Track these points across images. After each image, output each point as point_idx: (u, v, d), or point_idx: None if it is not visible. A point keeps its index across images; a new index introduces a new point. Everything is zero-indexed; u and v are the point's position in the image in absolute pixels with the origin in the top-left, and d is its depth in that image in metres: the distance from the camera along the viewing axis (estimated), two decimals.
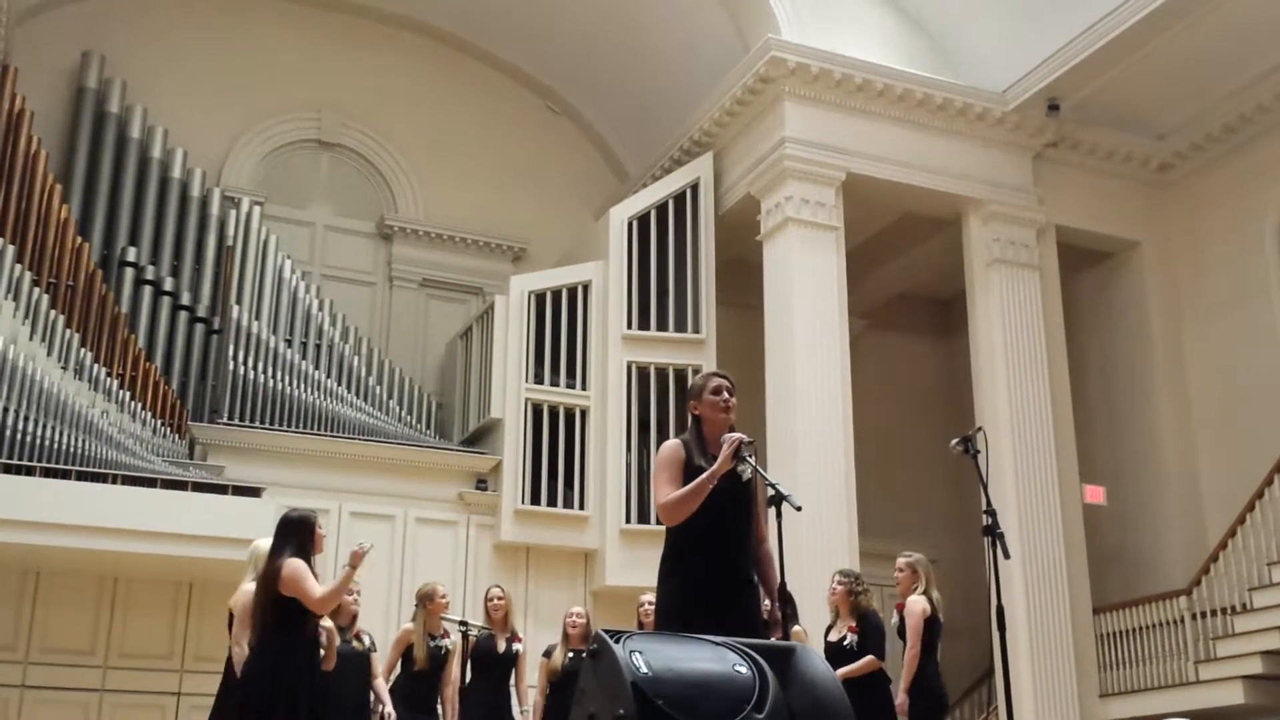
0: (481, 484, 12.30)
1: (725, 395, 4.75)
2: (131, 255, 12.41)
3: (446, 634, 8.17)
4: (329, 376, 12.38)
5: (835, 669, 3.99)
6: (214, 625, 9.93)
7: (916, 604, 7.40)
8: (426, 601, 8.15)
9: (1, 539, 9.87)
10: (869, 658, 7.49)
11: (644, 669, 3.40)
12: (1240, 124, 12.68)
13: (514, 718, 8.39)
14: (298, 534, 6.00)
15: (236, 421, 11.71)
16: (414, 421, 12.71)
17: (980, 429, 6.35)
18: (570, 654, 8.40)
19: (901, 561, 7.60)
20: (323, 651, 6.35)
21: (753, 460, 4.57)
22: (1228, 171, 12.96)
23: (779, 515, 4.54)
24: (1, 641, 10.45)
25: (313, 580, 5.84)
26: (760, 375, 11.88)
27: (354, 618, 7.78)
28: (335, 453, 11.91)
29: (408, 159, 14.66)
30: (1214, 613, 11.06)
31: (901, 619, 7.47)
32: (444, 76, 15.06)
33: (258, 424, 11.77)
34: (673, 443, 4.75)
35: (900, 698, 7.31)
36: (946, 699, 7.71)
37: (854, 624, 7.66)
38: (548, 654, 8.60)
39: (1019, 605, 11.21)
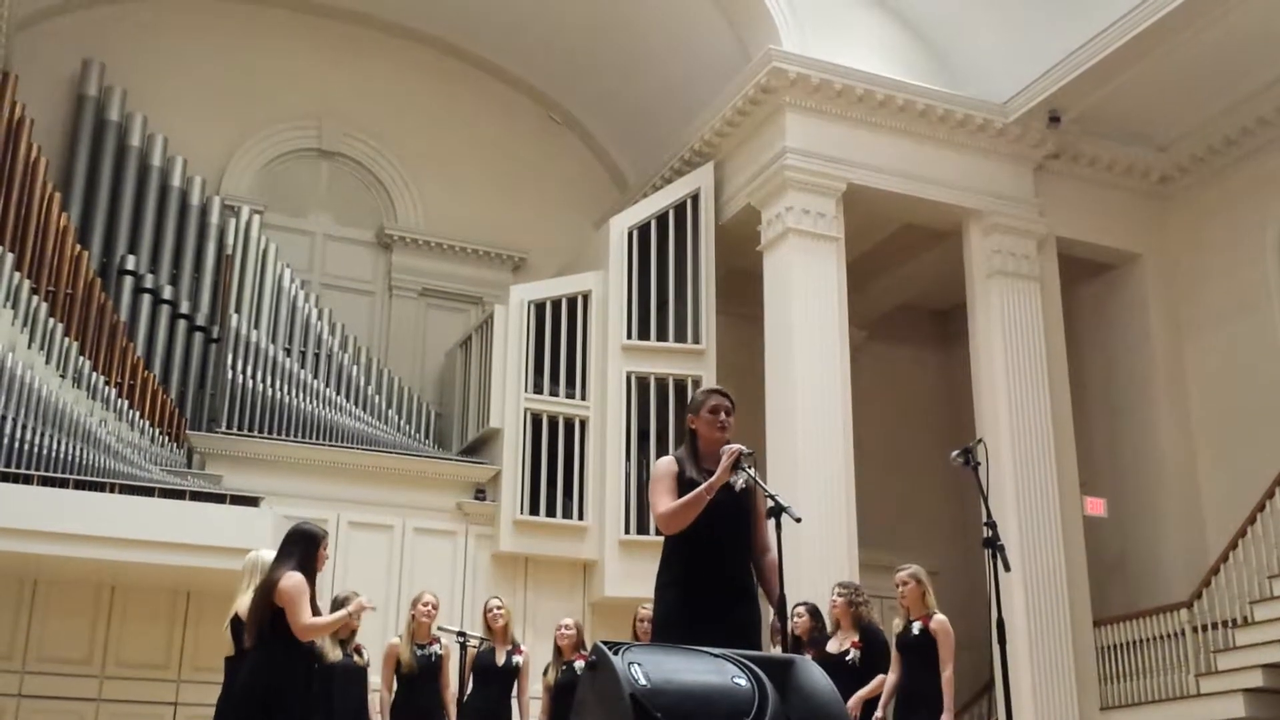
0: (480, 494, 12.27)
1: (723, 415, 4.78)
2: (131, 263, 12.39)
3: (436, 640, 8.15)
4: (328, 386, 12.35)
5: (834, 681, 3.94)
6: (211, 635, 9.90)
7: (949, 625, 7.25)
8: (410, 607, 8.21)
9: None
10: (880, 677, 7.45)
11: (643, 681, 3.38)
12: (1241, 136, 12.68)
13: None
14: (302, 548, 6.00)
15: (235, 430, 11.69)
16: (413, 431, 12.68)
17: (980, 440, 6.34)
18: (563, 667, 8.39)
19: (905, 575, 7.43)
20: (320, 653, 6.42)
21: (752, 471, 4.56)
22: (1228, 184, 12.96)
23: (779, 526, 4.52)
24: None
25: (306, 602, 5.81)
26: (760, 386, 11.86)
27: (354, 632, 7.79)
28: (334, 462, 11.89)
29: (408, 168, 14.66)
30: (1215, 625, 11.02)
31: (925, 633, 7.26)
32: (445, 86, 15.06)
33: (256, 433, 11.75)
34: (667, 458, 4.80)
35: (948, 718, 7.15)
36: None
37: (857, 639, 7.61)
38: (547, 673, 8.59)
39: (1019, 617, 11.18)
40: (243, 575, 6.42)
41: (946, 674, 7.17)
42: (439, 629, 8.20)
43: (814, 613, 7.96)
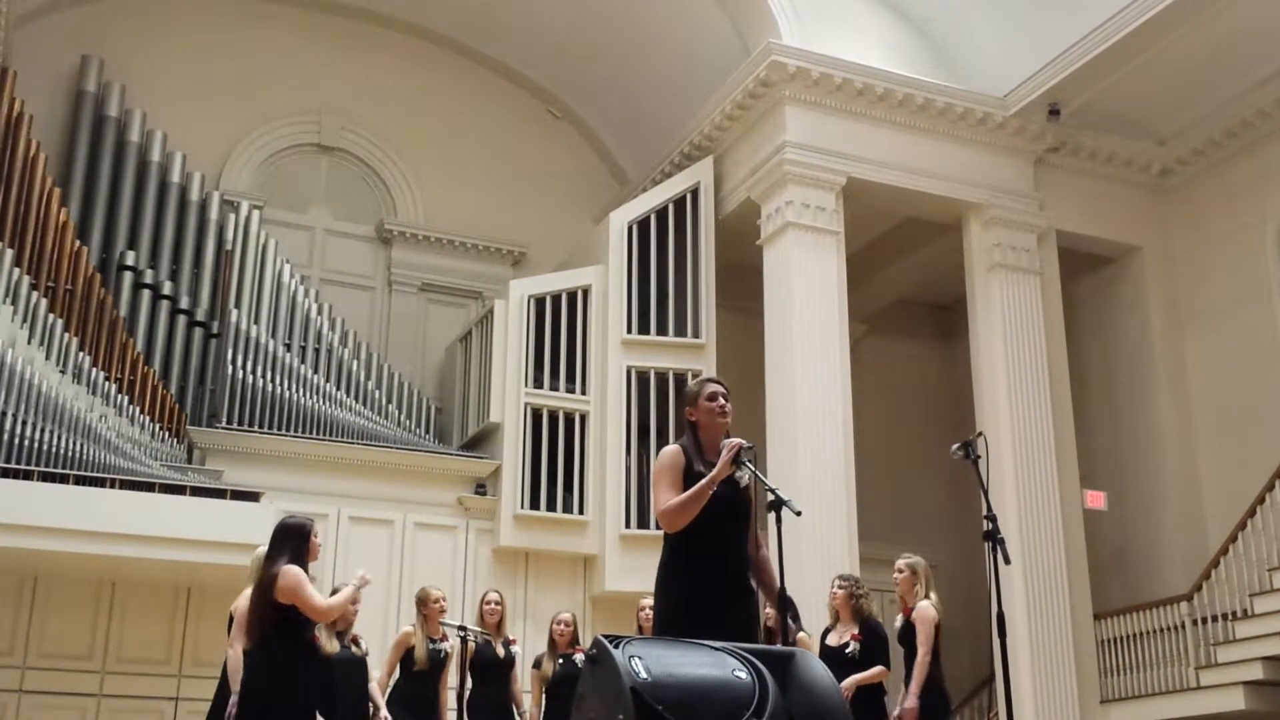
0: (481, 489, 12.28)
1: (721, 402, 4.73)
2: (130, 259, 12.39)
3: (444, 637, 8.15)
4: (328, 381, 12.35)
5: (835, 674, 3.95)
6: (212, 630, 9.92)
7: (929, 610, 7.25)
8: (421, 605, 8.18)
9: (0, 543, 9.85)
10: (879, 668, 7.44)
11: (643, 674, 3.38)
12: (1241, 129, 12.66)
13: None
14: (293, 541, 5.99)
15: (235, 426, 11.69)
16: (413, 426, 12.69)
17: (981, 434, 6.33)
18: (560, 660, 8.39)
19: (901, 563, 7.49)
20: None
21: (752, 465, 4.54)
22: (1229, 176, 12.94)
23: (779, 520, 4.51)
24: None
25: (312, 588, 5.83)
26: (760, 380, 11.86)
27: (350, 623, 7.79)
28: (334, 457, 11.89)
29: (407, 163, 14.65)
30: (1215, 618, 11.02)
31: (908, 623, 7.37)
32: (444, 80, 15.05)
33: (256, 428, 11.75)
34: (672, 448, 4.71)
35: (911, 702, 7.14)
36: (950, 701, 7.66)
37: (857, 631, 7.60)
38: (537, 665, 8.58)
39: (1019, 611, 11.18)
40: (249, 572, 6.43)
41: (920, 654, 7.18)
42: (442, 624, 8.20)
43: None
